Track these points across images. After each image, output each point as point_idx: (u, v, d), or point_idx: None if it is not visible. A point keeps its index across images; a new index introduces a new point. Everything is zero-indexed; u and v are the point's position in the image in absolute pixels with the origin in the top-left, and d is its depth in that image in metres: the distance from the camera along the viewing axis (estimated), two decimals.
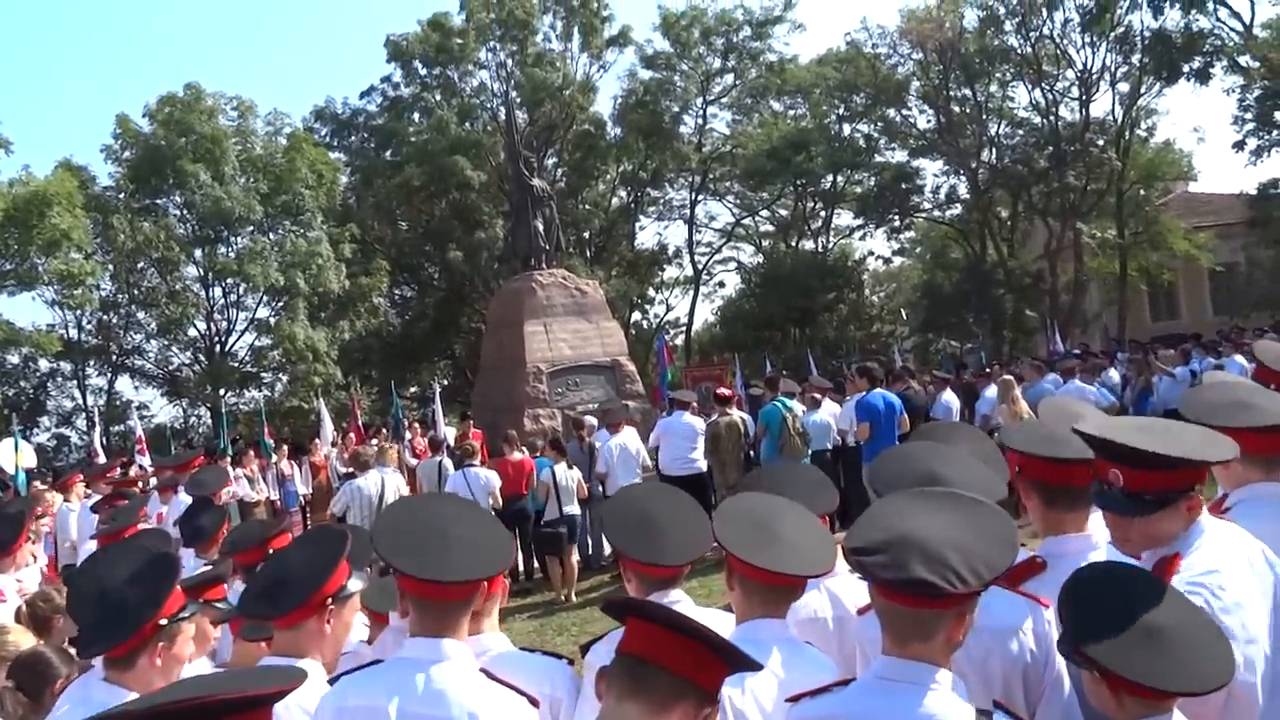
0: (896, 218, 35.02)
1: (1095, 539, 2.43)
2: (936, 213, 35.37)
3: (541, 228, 18.14)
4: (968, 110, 31.54)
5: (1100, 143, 29.45)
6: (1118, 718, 1.81)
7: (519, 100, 29.92)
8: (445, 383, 31.34)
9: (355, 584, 2.50)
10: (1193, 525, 2.16)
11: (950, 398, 12.10)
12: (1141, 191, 30.62)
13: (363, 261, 28.36)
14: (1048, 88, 30.21)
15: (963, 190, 33.22)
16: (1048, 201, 30.64)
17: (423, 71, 31.57)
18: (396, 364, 30.33)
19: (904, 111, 32.90)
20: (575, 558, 10.06)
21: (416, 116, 31.69)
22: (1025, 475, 2.49)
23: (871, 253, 39.25)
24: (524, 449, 11.09)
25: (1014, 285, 30.80)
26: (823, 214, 36.50)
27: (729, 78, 35.04)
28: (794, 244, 36.43)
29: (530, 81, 30.84)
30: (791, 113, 36.11)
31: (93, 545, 6.36)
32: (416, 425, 17.22)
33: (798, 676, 2.13)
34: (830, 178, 34.10)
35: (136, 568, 2.55)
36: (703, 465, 10.41)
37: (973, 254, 33.33)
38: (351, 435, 16.82)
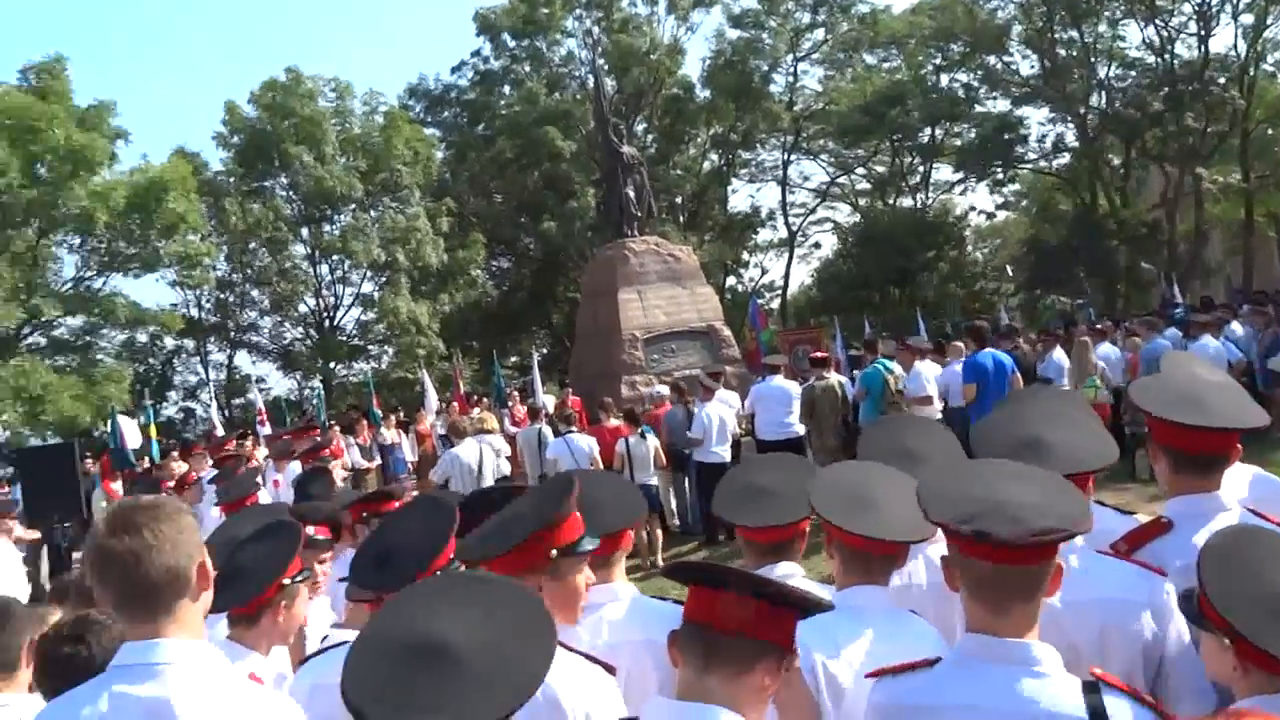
0: (999, 170, 33.75)
1: (1226, 500, 2.32)
2: (1042, 163, 33.97)
3: (633, 195, 18.16)
4: (1074, 53, 30.07)
5: (1221, 81, 27.75)
6: (1236, 687, 1.74)
7: (607, 67, 29.87)
8: (544, 351, 31.81)
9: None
10: None
11: (1060, 356, 11.61)
12: (1269, 131, 28.70)
13: (460, 235, 28.94)
14: (1162, 24, 28.53)
15: (1070, 138, 31.90)
16: (1163, 146, 29.06)
17: (511, 43, 31.78)
18: (496, 334, 30.92)
19: (1005, 58, 31.61)
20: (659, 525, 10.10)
21: (507, 89, 32.00)
22: (1155, 439, 2.39)
23: (973, 208, 37.93)
24: (620, 415, 11.16)
25: (1127, 236, 29.41)
26: (921, 169, 35.49)
27: (819, 33, 34.24)
28: (891, 201, 35.55)
29: (617, 48, 30.72)
30: (885, 65, 35.10)
31: (216, 513, 6.69)
32: (516, 394, 17.55)
33: (895, 647, 2.06)
34: (928, 131, 33.10)
35: (264, 533, 2.75)
36: (799, 430, 10.30)
37: (1082, 205, 31.93)
38: (455, 404, 17.26)
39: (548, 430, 11.33)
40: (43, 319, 21.09)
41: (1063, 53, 30.11)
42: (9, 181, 18.23)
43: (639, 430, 10.07)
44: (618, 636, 2.34)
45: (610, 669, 2.09)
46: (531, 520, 2.15)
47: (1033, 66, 31.43)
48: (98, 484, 12.55)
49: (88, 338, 22.98)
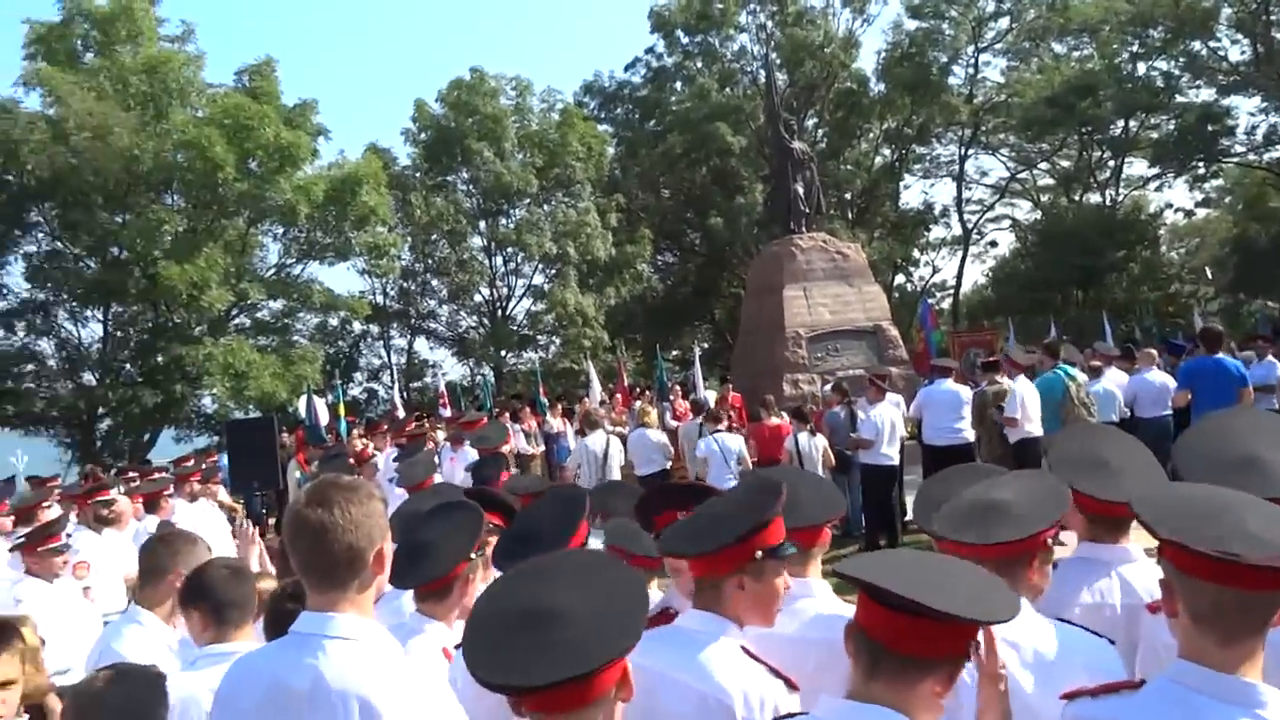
0: (1201, 164, 31.29)
1: None
2: (1251, 156, 31.24)
3: (802, 191, 17.99)
4: None
5: None
6: None
7: (779, 62, 29.63)
8: (705, 346, 31.96)
9: (594, 543, 2.73)
10: None
11: (1273, 364, 10.72)
12: None
13: (628, 229, 29.45)
14: None
15: None
16: None
17: (685, 40, 32.02)
18: (659, 328, 31.32)
19: (1211, 43, 29.23)
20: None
21: (679, 85, 32.26)
22: None
23: (1169, 205, 35.39)
24: (781, 414, 11.14)
25: None
26: (1111, 164, 33.42)
27: (1004, 21, 32.79)
28: (1077, 198, 33.67)
29: (791, 42, 30.44)
30: (1075, 54, 33.19)
31: (399, 490, 7.10)
32: (677, 388, 17.73)
33: (1041, 656, 1.99)
34: (1121, 123, 31.14)
35: (450, 514, 2.97)
36: (969, 436, 9.96)
37: None
38: (619, 396, 17.62)
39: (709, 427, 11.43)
40: (248, 302, 22.97)
41: (1279, 36, 27.56)
42: (225, 175, 19.91)
43: (808, 427, 10.03)
44: (809, 633, 2.38)
45: (793, 685, 2.10)
46: (743, 521, 2.20)
47: (1243, 52, 28.99)
48: (292, 457, 13.60)
49: (286, 320, 24.87)
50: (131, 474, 11.77)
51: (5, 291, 22.08)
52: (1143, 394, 10.04)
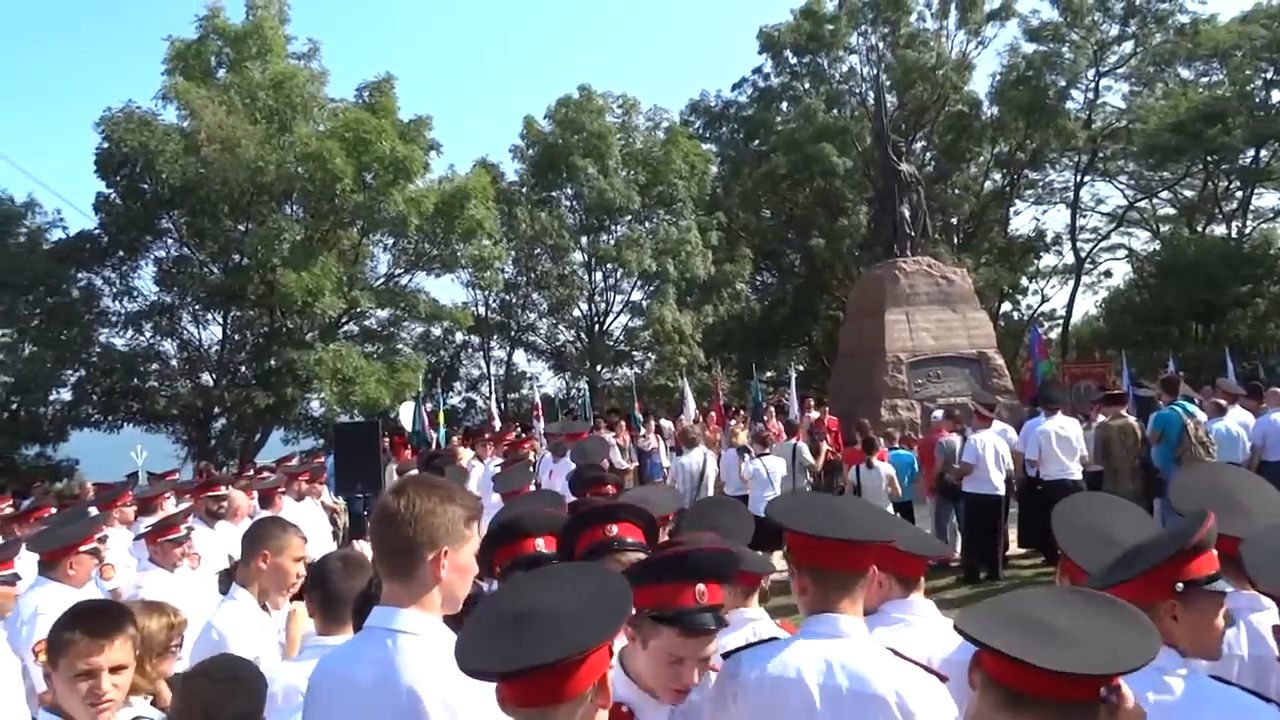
0: None
1: None
2: None
3: (908, 214, 17.69)
4: None
5: None
6: None
7: (889, 83, 29.24)
8: (801, 368, 31.61)
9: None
10: None
11: None
12: None
13: (727, 248, 29.40)
14: None
15: None
16: None
17: (793, 60, 31.91)
18: (755, 347, 31.09)
19: None
20: None
21: (785, 106, 32.13)
22: None
23: None
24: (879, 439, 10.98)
25: None
26: (1239, 194, 31.75)
27: (1128, 45, 31.57)
28: (1201, 229, 32.09)
29: (902, 64, 30.03)
30: (1204, 80, 31.73)
31: (496, 498, 7.23)
32: (771, 409, 17.57)
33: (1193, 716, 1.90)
34: (1251, 152, 29.55)
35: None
36: (1076, 472, 9.63)
37: None
38: (713, 414, 17.58)
39: (803, 447, 11.35)
40: (358, 309, 23.73)
41: None
42: (344, 187, 20.65)
43: (867, 459, 9.91)
44: (918, 649, 2.42)
45: (943, 677, 2.13)
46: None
47: None
48: (391, 461, 13.97)
49: (391, 329, 25.62)
50: (242, 475, 12.30)
51: (136, 294, 23.42)
52: (1272, 436, 9.52)
